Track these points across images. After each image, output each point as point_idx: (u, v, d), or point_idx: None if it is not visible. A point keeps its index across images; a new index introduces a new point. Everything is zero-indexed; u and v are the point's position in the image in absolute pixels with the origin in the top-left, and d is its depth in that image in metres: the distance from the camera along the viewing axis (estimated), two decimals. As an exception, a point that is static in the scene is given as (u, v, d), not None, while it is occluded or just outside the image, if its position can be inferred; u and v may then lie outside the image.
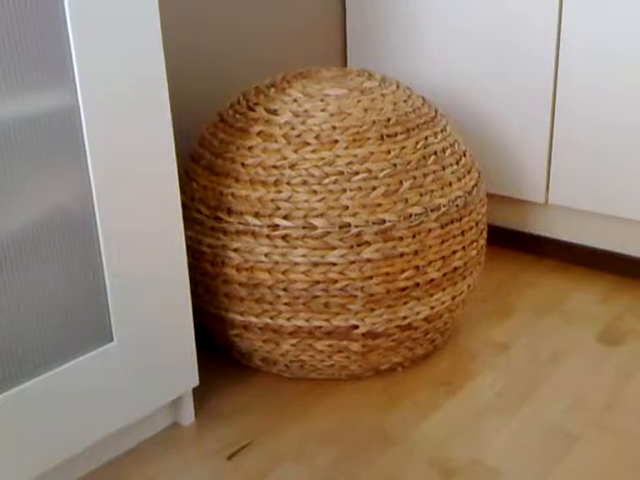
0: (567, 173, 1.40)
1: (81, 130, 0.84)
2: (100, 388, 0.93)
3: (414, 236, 1.05)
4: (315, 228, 1.02)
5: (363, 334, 1.08)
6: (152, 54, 0.88)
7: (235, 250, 1.06)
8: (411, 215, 1.05)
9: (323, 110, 1.08)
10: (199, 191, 1.10)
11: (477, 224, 1.15)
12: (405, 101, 1.13)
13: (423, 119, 1.12)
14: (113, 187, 0.88)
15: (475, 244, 1.15)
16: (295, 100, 1.10)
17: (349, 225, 1.03)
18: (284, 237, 1.03)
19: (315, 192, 1.03)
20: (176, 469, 0.99)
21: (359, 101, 1.09)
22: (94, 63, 0.82)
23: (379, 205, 1.03)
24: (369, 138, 1.06)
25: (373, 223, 1.03)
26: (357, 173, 1.04)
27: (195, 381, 1.05)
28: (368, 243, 1.03)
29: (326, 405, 1.10)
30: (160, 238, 0.95)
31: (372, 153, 1.05)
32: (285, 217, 1.03)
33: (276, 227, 1.03)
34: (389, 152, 1.06)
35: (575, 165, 1.38)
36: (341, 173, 1.03)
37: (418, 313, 1.09)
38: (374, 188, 1.04)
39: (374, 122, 1.07)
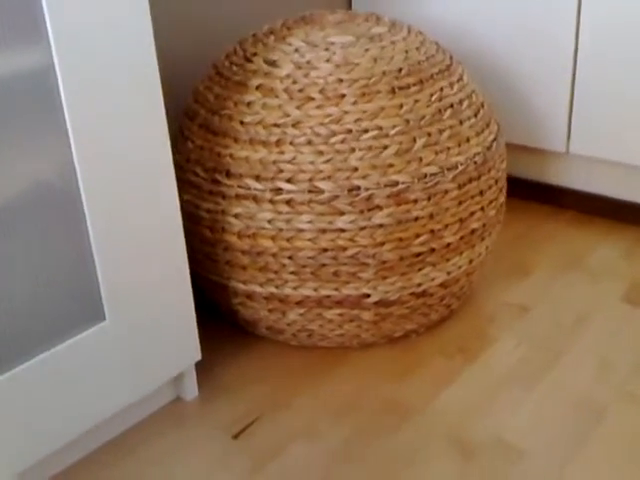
0: (589, 121, 1.30)
1: (58, 91, 0.75)
2: (95, 368, 0.86)
3: (429, 198, 0.97)
4: (322, 192, 0.94)
5: (375, 303, 1.01)
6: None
7: (235, 216, 0.98)
8: (426, 175, 0.96)
9: (328, 60, 0.98)
10: (195, 152, 1.02)
11: (496, 182, 1.06)
12: (417, 48, 1.03)
13: (437, 68, 1.03)
14: (97, 154, 0.80)
15: (494, 203, 1.07)
16: (297, 50, 1.00)
17: (359, 188, 0.94)
18: (288, 202, 0.95)
19: (321, 153, 0.94)
20: (179, 450, 0.93)
21: (367, 50, 1.00)
22: (69, 17, 0.73)
23: (391, 165, 0.95)
24: (379, 91, 0.96)
25: (385, 185, 0.95)
26: (366, 131, 0.95)
27: (197, 355, 0.98)
28: (380, 207, 0.95)
29: (337, 376, 1.04)
30: (152, 204, 0.87)
31: (382, 108, 0.96)
32: (289, 180, 0.95)
33: (279, 191, 0.95)
34: (401, 106, 0.96)
35: (597, 113, 1.29)
36: (349, 131, 0.95)
37: (433, 279, 1.02)
38: (385, 147, 0.95)
39: (384, 73, 0.98)
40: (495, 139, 1.06)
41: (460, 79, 1.05)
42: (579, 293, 1.19)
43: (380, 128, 0.95)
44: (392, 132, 0.95)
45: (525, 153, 1.43)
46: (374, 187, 0.94)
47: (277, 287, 1.00)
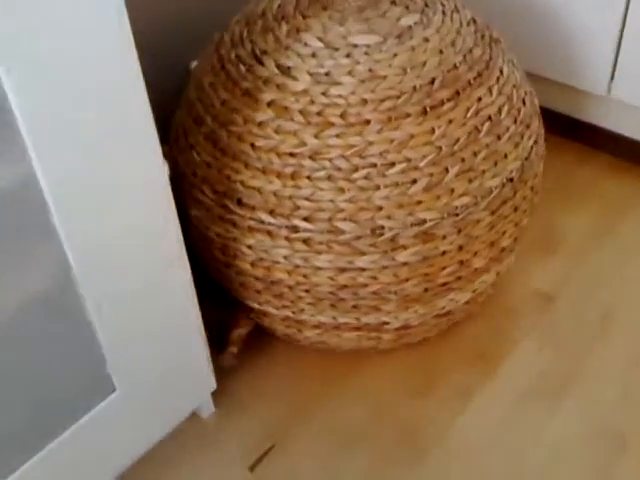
0: (635, 68, 1.16)
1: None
2: (112, 432, 0.85)
3: (459, 231, 0.88)
4: (342, 233, 0.86)
5: (396, 328, 0.97)
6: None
7: (249, 247, 0.90)
8: (457, 208, 0.87)
9: (350, 73, 0.84)
10: (202, 167, 0.91)
11: (532, 188, 0.97)
12: (453, 43, 0.88)
13: (476, 70, 0.88)
14: (92, 250, 0.71)
15: (528, 210, 0.98)
16: (314, 55, 0.86)
17: (382, 228, 0.86)
18: (305, 241, 0.87)
19: (342, 190, 0.84)
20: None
21: (395, 55, 0.85)
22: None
23: (419, 202, 0.85)
24: (408, 114, 0.84)
25: (412, 225, 0.86)
26: (393, 164, 0.84)
27: (212, 386, 0.96)
28: (404, 247, 0.87)
29: (354, 390, 1.02)
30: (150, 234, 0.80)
31: (412, 136, 0.84)
32: (306, 219, 0.86)
33: (296, 229, 0.87)
34: (433, 131, 0.84)
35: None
36: (373, 165, 0.84)
37: (458, 301, 0.97)
38: (413, 181, 0.85)
39: (415, 88, 0.85)
40: (536, 141, 0.95)
41: (500, 75, 0.91)
42: (610, 274, 1.13)
43: (408, 160, 0.84)
44: (422, 164, 0.84)
45: (565, 89, 1.28)
46: (399, 227, 0.86)
47: (293, 313, 0.95)
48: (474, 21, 0.93)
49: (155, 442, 0.92)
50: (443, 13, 0.91)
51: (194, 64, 1.08)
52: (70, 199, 0.66)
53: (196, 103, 0.93)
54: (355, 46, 0.86)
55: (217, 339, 1.00)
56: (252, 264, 0.91)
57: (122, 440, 0.87)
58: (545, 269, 1.15)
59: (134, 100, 0.67)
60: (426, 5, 0.91)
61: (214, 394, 1.00)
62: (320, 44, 0.86)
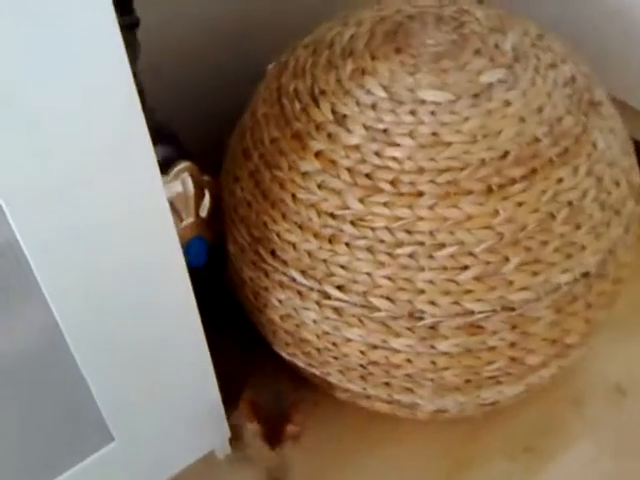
0: None
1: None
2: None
3: (513, 327, 0.77)
4: (377, 310, 0.76)
5: (431, 411, 0.87)
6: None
7: (279, 301, 0.83)
8: (513, 302, 0.75)
9: (411, 134, 0.74)
10: (242, 205, 0.84)
11: (616, 281, 0.83)
12: (540, 110, 0.75)
13: (562, 144, 0.75)
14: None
15: (607, 304, 0.84)
16: (374, 106, 0.75)
17: (423, 313, 0.76)
18: (337, 309, 0.78)
19: (382, 264, 0.75)
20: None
21: (467, 119, 0.74)
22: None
23: (468, 292, 0.74)
24: (470, 191, 0.73)
25: (456, 315, 0.76)
26: (443, 246, 0.73)
27: (227, 434, 0.90)
28: (445, 337, 0.77)
29: (379, 461, 0.93)
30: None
31: (470, 217, 0.73)
32: (339, 287, 0.77)
33: (327, 295, 0.78)
34: (496, 214, 0.73)
35: None
36: (421, 243, 0.73)
37: (507, 394, 0.85)
38: (465, 267, 0.74)
39: (483, 162, 0.73)
40: (626, 229, 0.81)
41: (592, 150, 0.77)
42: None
43: (462, 243, 0.73)
44: (477, 249, 0.73)
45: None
46: (442, 315, 0.75)
47: (322, 374, 0.87)
48: (573, 80, 0.79)
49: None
50: (535, 70, 0.78)
51: (271, 66, 1.00)
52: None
53: (247, 133, 0.86)
54: (422, 102, 0.75)
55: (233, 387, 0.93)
56: (282, 318, 0.84)
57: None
58: (625, 357, 1.00)
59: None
60: (516, 59, 0.78)
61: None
62: (384, 94, 0.76)
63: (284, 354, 0.90)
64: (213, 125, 0.93)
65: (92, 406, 0.74)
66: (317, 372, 0.87)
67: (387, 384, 0.83)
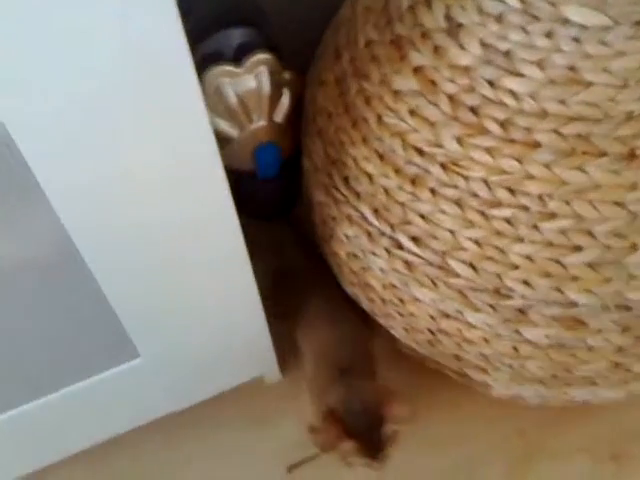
0: None
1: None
2: (136, 393, 0.74)
3: (624, 330, 0.60)
4: (455, 275, 0.61)
5: (506, 395, 0.73)
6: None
7: (346, 236, 0.69)
8: (632, 301, 0.58)
9: (540, 63, 0.55)
10: (322, 115, 0.69)
11: None
12: None
13: None
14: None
15: None
16: (500, 17, 0.56)
17: (511, 291, 0.60)
18: (407, 263, 0.64)
19: (470, 223, 0.59)
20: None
21: (621, 54, 0.53)
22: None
23: (575, 279, 0.57)
24: (604, 153, 0.54)
25: (554, 302, 0.59)
26: (554, 216, 0.56)
27: (273, 362, 0.80)
28: (535, 324, 0.61)
29: (446, 435, 0.81)
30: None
31: (598, 186, 0.54)
32: (414, 240, 0.62)
33: (399, 245, 0.64)
34: (633, 188, 0.54)
35: None
36: (525, 208, 0.56)
37: (602, 396, 0.69)
38: (577, 249, 0.56)
39: (630, 115, 0.53)
40: None
41: None
42: None
43: (579, 217, 0.56)
44: (598, 229, 0.55)
45: None
46: (535, 299, 0.59)
47: (385, 325, 0.74)
48: None
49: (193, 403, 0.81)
50: None
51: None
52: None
53: (342, 29, 0.69)
54: (565, 22, 0.55)
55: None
56: (347, 255, 0.71)
57: (150, 399, 0.76)
58: None
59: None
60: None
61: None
62: (517, 3, 0.57)
63: (348, 289, 0.77)
64: (313, 13, 0.76)
65: (113, 319, 0.65)
66: (381, 321, 0.75)
67: (457, 357, 0.69)
